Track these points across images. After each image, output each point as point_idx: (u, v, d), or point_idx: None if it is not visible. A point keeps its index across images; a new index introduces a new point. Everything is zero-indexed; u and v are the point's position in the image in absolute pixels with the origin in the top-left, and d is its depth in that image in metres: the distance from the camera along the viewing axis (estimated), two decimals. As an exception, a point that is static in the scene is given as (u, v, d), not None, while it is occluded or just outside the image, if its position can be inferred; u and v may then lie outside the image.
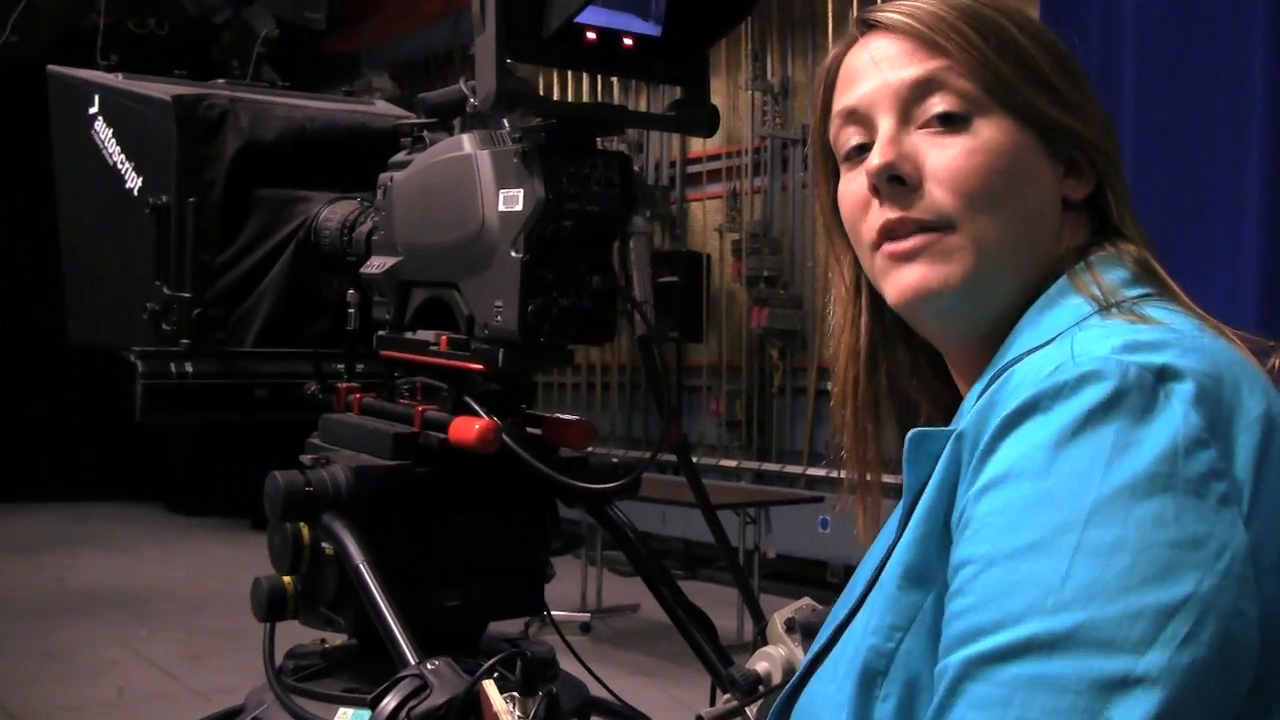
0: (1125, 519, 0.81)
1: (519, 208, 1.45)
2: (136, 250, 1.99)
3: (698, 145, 8.95)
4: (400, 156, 1.75)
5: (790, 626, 1.40)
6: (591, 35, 1.45)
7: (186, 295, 1.92)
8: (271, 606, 1.58)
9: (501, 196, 1.48)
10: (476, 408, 1.57)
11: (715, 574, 8.29)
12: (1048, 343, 0.94)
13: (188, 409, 1.94)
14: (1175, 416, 0.84)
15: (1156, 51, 4.79)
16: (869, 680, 0.95)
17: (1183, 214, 4.61)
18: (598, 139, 1.53)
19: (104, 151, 2.10)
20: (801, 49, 8.46)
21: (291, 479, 1.55)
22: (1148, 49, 4.80)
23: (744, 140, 8.68)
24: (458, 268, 1.56)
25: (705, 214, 9.10)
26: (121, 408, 1.95)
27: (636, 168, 1.53)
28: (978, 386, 0.98)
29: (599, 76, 7.79)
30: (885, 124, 1.05)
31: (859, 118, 1.08)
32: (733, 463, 8.60)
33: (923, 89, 1.04)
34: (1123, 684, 0.78)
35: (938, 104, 1.03)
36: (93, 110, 2.13)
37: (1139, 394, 0.85)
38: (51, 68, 2.28)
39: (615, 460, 1.73)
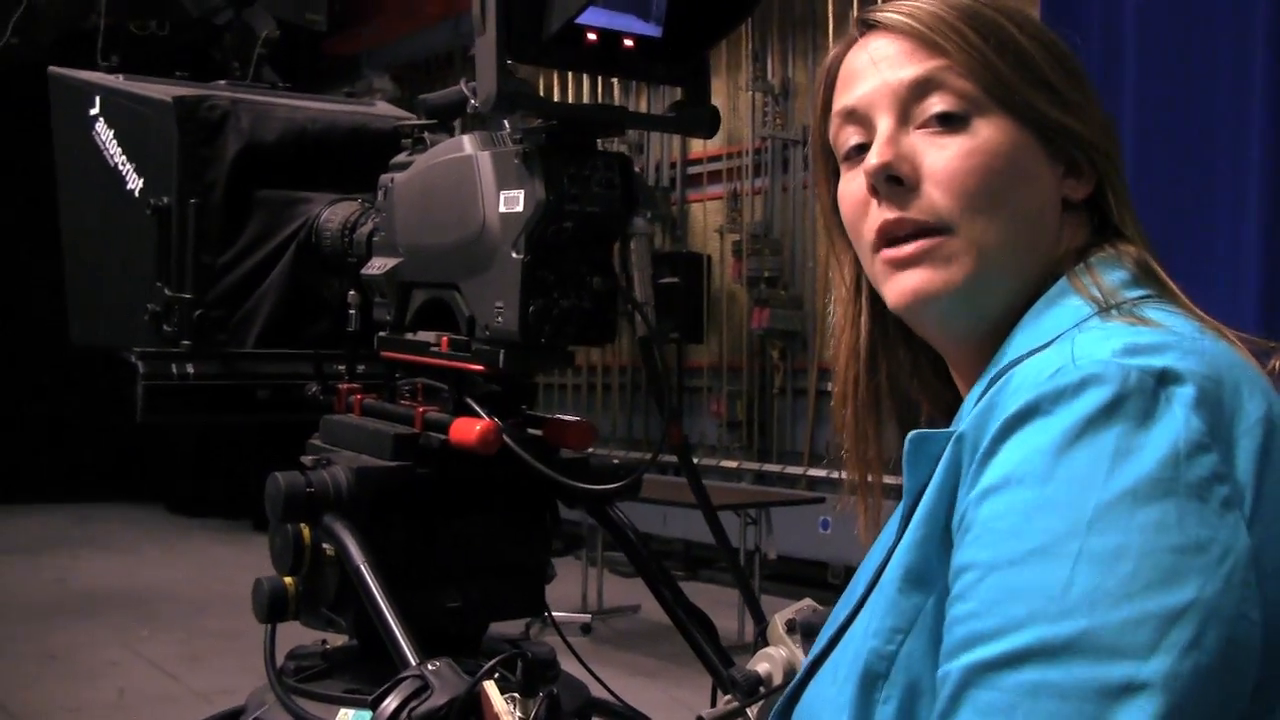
0: (1127, 525, 0.81)
1: (520, 209, 1.46)
2: (138, 251, 1.99)
3: (698, 146, 8.95)
4: (401, 158, 1.75)
5: (791, 627, 1.40)
6: (592, 36, 1.45)
7: (188, 296, 1.92)
8: (272, 607, 1.58)
9: (502, 198, 1.48)
10: (477, 409, 1.57)
11: (716, 575, 8.29)
12: (1047, 344, 0.94)
13: (189, 410, 1.94)
14: (1176, 421, 0.84)
15: (1157, 51, 4.78)
16: (870, 682, 0.95)
17: (1183, 214, 4.61)
18: (598, 140, 1.53)
19: (105, 153, 2.10)
20: (802, 50, 8.46)
21: (292, 480, 1.55)
22: (1148, 49, 4.80)
23: (744, 141, 8.68)
24: (458, 269, 1.56)
25: (706, 215, 9.10)
26: (122, 409, 1.95)
27: (637, 169, 1.53)
28: (977, 388, 0.98)
29: (599, 77, 7.79)
30: (884, 124, 1.05)
31: (858, 117, 1.08)
32: (733, 463, 8.60)
33: (921, 89, 1.04)
34: (1127, 690, 0.78)
35: (936, 104, 1.03)
36: (94, 111, 2.13)
37: (1140, 398, 0.85)
38: (53, 69, 2.28)
39: (616, 461, 1.73)
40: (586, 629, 6.95)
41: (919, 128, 1.04)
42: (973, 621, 0.85)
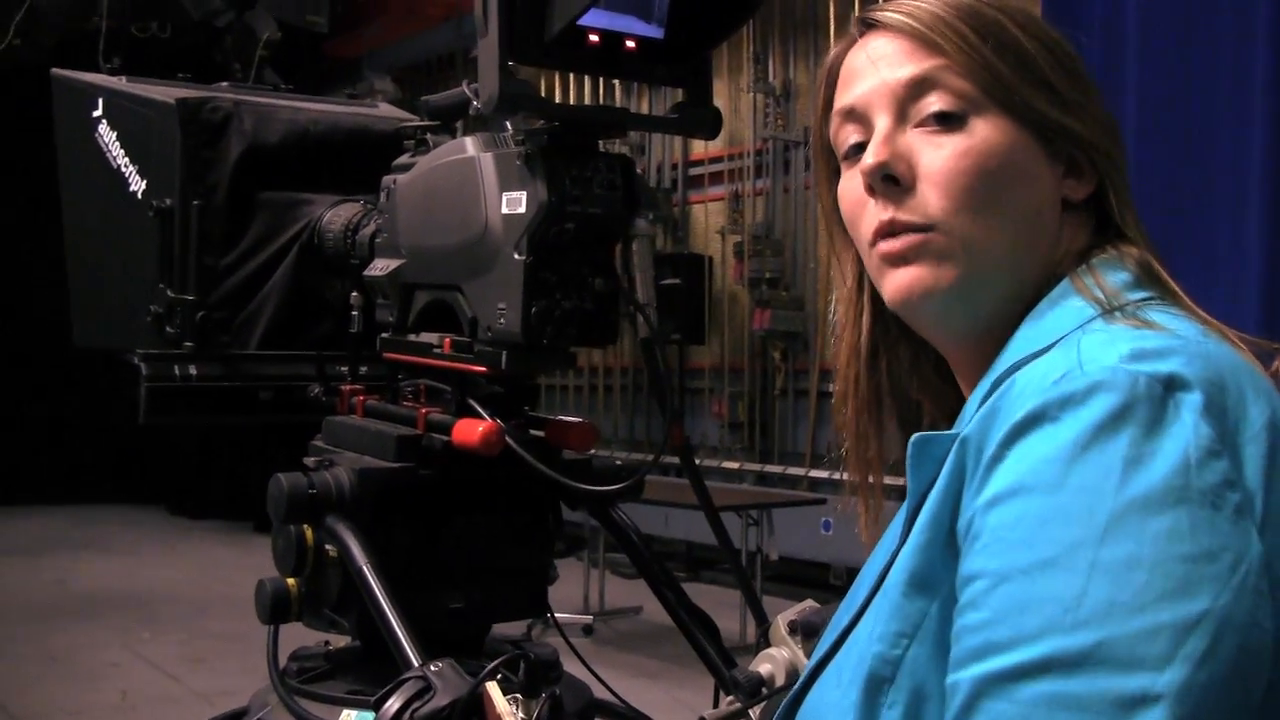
0: (1140, 534, 0.81)
1: (521, 210, 1.46)
2: (140, 253, 2.00)
3: (699, 147, 8.96)
4: (403, 159, 1.76)
5: (793, 628, 1.40)
6: (594, 38, 1.45)
7: (190, 298, 1.92)
8: (275, 609, 1.58)
9: (504, 199, 1.48)
10: (480, 410, 1.57)
11: (718, 576, 8.30)
12: (1050, 346, 0.94)
13: (191, 411, 1.94)
14: (1186, 428, 0.84)
15: (1158, 51, 4.78)
16: (875, 687, 0.95)
17: (1183, 214, 4.61)
18: (600, 141, 1.53)
19: (108, 154, 2.10)
20: (803, 51, 8.46)
21: (295, 481, 1.55)
22: (1149, 48, 4.80)
23: (746, 142, 8.69)
24: (461, 270, 1.56)
25: (707, 216, 9.11)
26: (123, 410, 1.95)
27: (638, 170, 1.53)
28: (980, 389, 0.98)
29: (601, 79, 7.79)
30: (881, 123, 1.05)
31: (857, 116, 1.08)
32: (735, 464, 8.60)
33: (919, 88, 1.04)
34: (1143, 701, 0.78)
35: (933, 103, 1.03)
36: (97, 113, 2.13)
37: (1148, 405, 0.84)
38: (55, 71, 2.29)
39: (618, 462, 1.74)
40: (588, 630, 6.94)
41: (917, 127, 1.04)
42: (984, 631, 0.85)
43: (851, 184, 1.08)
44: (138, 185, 2.03)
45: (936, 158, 1.02)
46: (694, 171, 9.23)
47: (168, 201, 1.94)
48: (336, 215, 1.90)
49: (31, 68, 4.80)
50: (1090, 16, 4.91)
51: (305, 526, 1.55)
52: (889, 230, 1.04)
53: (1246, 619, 0.80)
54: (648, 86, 7.81)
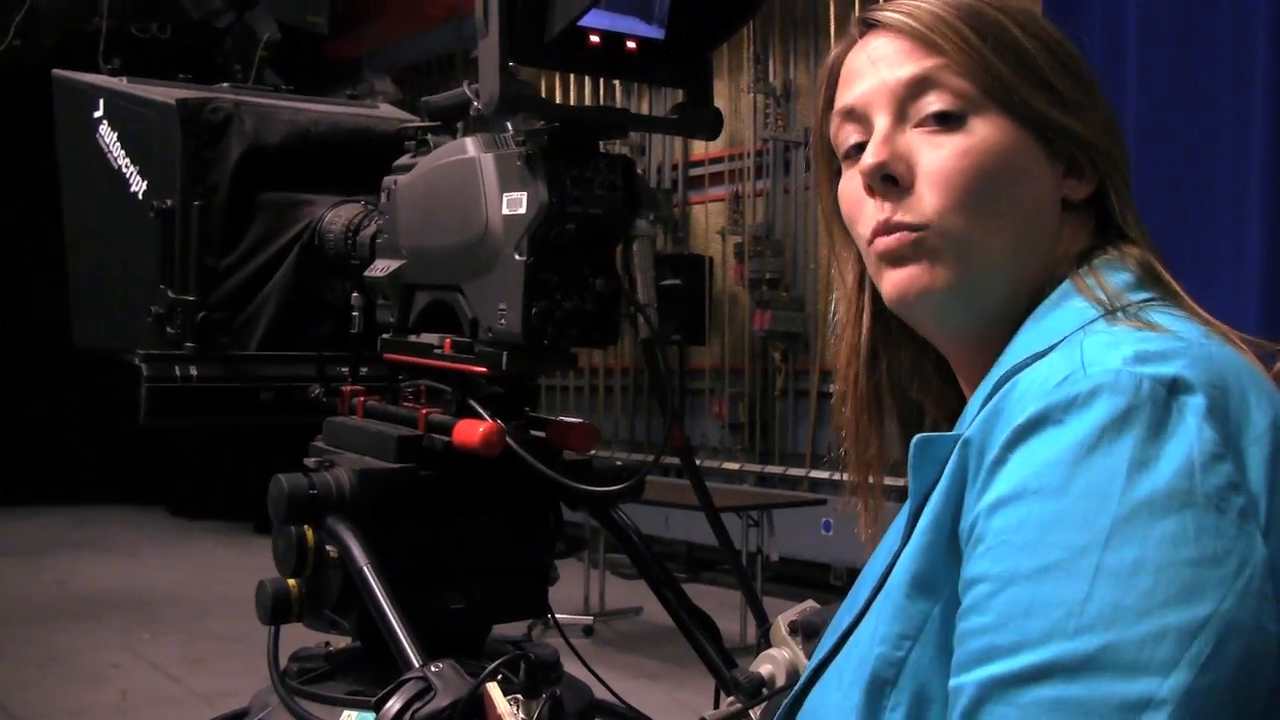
0: (1145, 538, 0.81)
1: (522, 211, 1.46)
2: (141, 254, 2.00)
3: (700, 148, 8.96)
4: (404, 160, 1.76)
5: (794, 629, 1.40)
6: (595, 39, 1.45)
7: (191, 299, 1.92)
8: (276, 609, 1.58)
9: (505, 200, 1.48)
10: (480, 410, 1.57)
11: (718, 576, 8.30)
12: (1052, 347, 0.93)
13: (192, 412, 1.94)
14: (1190, 431, 0.83)
15: (1158, 51, 4.78)
16: (878, 689, 0.94)
17: (1183, 214, 4.61)
18: (600, 142, 1.54)
19: (108, 155, 2.10)
20: (804, 52, 8.46)
21: (296, 482, 1.55)
22: (1149, 49, 4.80)
23: (746, 143, 8.69)
24: (461, 271, 1.56)
25: (707, 217, 9.11)
26: (123, 410, 1.95)
27: (638, 171, 1.53)
28: (982, 390, 0.98)
29: (601, 80, 7.79)
30: (881, 122, 1.05)
31: (857, 116, 1.08)
32: (735, 465, 8.60)
33: (918, 88, 1.04)
34: (1147, 706, 0.78)
35: (932, 103, 1.03)
36: (97, 114, 2.13)
37: (1152, 408, 0.84)
38: (56, 72, 2.29)
39: (619, 463, 1.74)
40: (589, 631, 6.95)
41: (916, 126, 1.04)
42: (988, 635, 0.85)
43: (851, 184, 1.08)
44: (138, 186, 2.03)
45: (935, 158, 1.02)
46: (694, 172, 9.24)
47: (168, 202, 1.94)
48: (337, 216, 1.90)
49: (32, 68, 4.80)
50: (1090, 16, 4.91)
51: (306, 527, 1.55)
52: (886, 229, 1.04)
53: (1251, 623, 0.80)
54: (648, 87, 7.81)
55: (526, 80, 1.43)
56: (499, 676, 1.28)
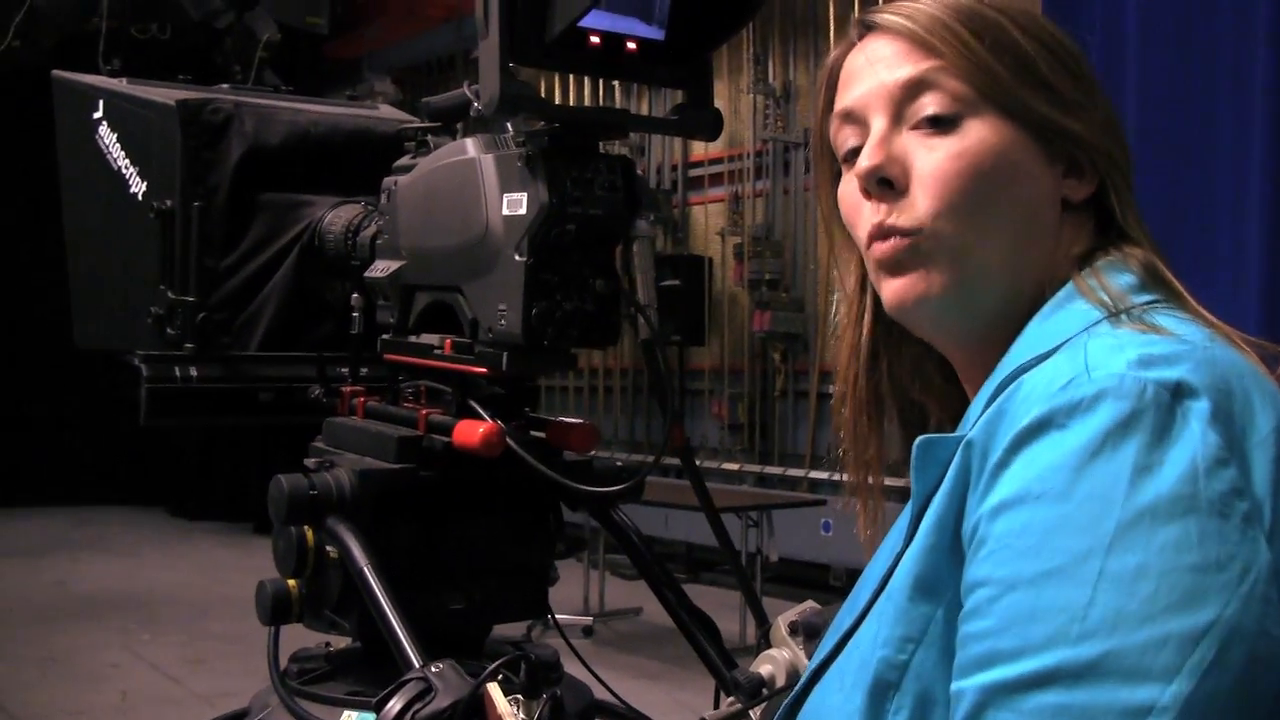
0: (1148, 544, 0.81)
1: (522, 211, 1.46)
2: (141, 254, 2.00)
3: (699, 149, 8.96)
4: (404, 161, 1.76)
5: (794, 629, 1.40)
6: (595, 39, 1.45)
7: (191, 299, 1.92)
8: (276, 610, 1.58)
9: (505, 200, 1.48)
10: (481, 411, 1.57)
11: (718, 577, 8.30)
12: (1056, 349, 0.93)
13: (192, 413, 1.94)
14: (1194, 436, 0.83)
15: (1158, 51, 4.78)
16: (880, 693, 0.94)
17: (1183, 214, 4.60)
18: (600, 143, 1.54)
19: (108, 156, 2.10)
20: (803, 52, 8.46)
21: (296, 483, 1.55)
22: (1150, 48, 4.80)
23: (746, 144, 8.69)
24: (461, 271, 1.56)
25: (707, 217, 9.11)
26: (123, 410, 1.95)
27: (638, 171, 1.53)
28: (985, 392, 0.97)
29: (601, 80, 7.79)
30: (878, 124, 1.05)
31: (855, 118, 1.08)
32: (735, 466, 8.60)
33: (914, 89, 1.04)
34: (1149, 713, 0.78)
35: (928, 104, 1.03)
36: (97, 115, 2.13)
37: (1156, 413, 0.84)
38: (56, 73, 2.29)
39: (619, 464, 1.74)
40: (588, 631, 6.95)
41: (913, 129, 1.04)
42: (990, 640, 0.85)
43: (850, 186, 1.08)
44: (138, 187, 2.03)
45: (930, 160, 1.02)
46: (694, 173, 9.24)
47: (168, 203, 1.95)
48: (337, 217, 1.90)
49: (31, 69, 4.80)
50: (1090, 16, 4.90)
51: (306, 528, 1.55)
52: (881, 233, 1.04)
53: (1255, 628, 0.80)
54: (648, 88, 7.81)
55: (526, 81, 1.43)
56: (499, 677, 1.28)
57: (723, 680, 1.56)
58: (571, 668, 1.74)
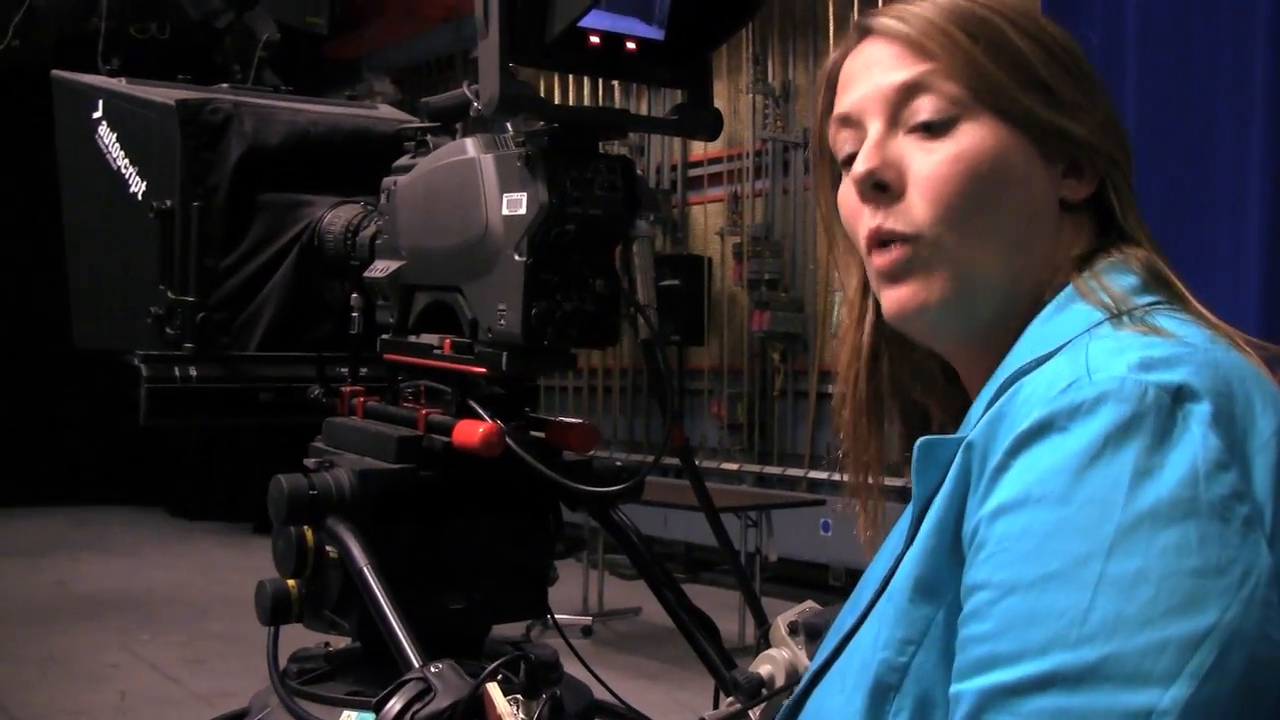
0: (1148, 548, 0.81)
1: (522, 211, 1.46)
2: (141, 254, 2.00)
3: (698, 149, 8.96)
4: (404, 161, 1.76)
5: (793, 629, 1.40)
6: (595, 39, 1.45)
7: (191, 299, 1.92)
8: (275, 610, 1.58)
9: (505, 200, 1.48)
10: (480, 411, 1.57)
11: (717, 577, 8.30)
12: (1056, 351, 0.93)
13: (191, 413, 1.94)
14: (1194, 440, 0.83)
15: (1157, 51, 4.78)
16: (881, 694, 0.94)
17: (1183, 214, 4.61)
18: (600, 143, 1.54)
19: (108, 156, 2.10)
20: (802, 52, 8.46)
21: (295, 483, 1.55)
22: (1149, 48, 4.80)
23: (745, 143, 8.69)
24: (461, 271, 1.56)
25: (706, 217, 9.11)
26: (123, 410, 1.95)
27: (638, 171, 1.53)
28: (986, 393, 0.97)
29: (600, 80, 7.79)
30: (874, 129, 1.05)
31: (852, 123, 1.08)
32: (734, 466, 8.60)
33: (909, 93, 1.04)
34: (1149, 717, 0.78)
35: (923, 107, 1.03)
36: (97, 115, 2.13)
37: (1157, 416, 0.84)
38: (55, 72, 2.29)
39: (619, 464, 1.74)
40: (587, 631, 6.95)
41: (909, 132, 1.04)
42: (989, 643, 0.85)
43: (849, 191, 1.08)
44: (138, 187, 2.03)
45: (926, 163, 1.02)
46: (693, 173, 9.24)
47: (168, 203, 1.94)
48: (337, 217, 1.90)
49: (30, 69, 4.80)
50: (1090, 16, 4.91)
51: (305, 528, 1.55)
52: (879, 239, 1.04)
53: (1256, 632, 0.80)
54: (647, 88, 7.81)
55: (526, 81, 1.43)
56: (499, 677, 1.28)
57: (722, 680, 1.56)
58: (571, 668, 1.74)
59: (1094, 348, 0.91)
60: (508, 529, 1.70)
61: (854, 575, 7.38)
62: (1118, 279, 1.00)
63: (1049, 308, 1.01)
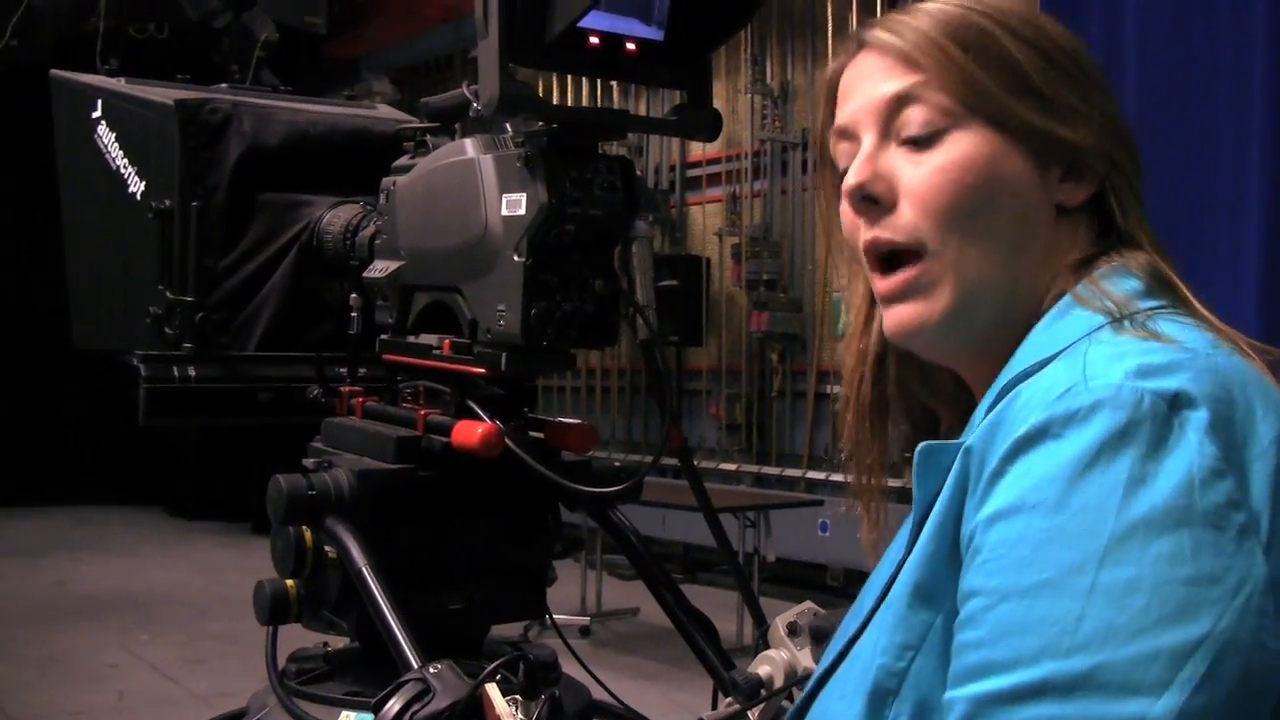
0: (1141, 557, 0.80)
1: (521, 212, 1.46)
2: (140, 254, 2.00)
3: (697, 149, 8.96)
4: (403, 161, 1.76)
5: (792, 630, 1.40)
6: (594, 40, 1.45)
7: (190, 299, 1.92)
8: (274, 610, 1.58)
9: (504, 201, 1.48)
10: (479, 411, 1.57)
11: (716, 577, 8.29)
12: (1055, 355, 0.93)
13: (190, 413, 1.94)
14: (1190, 447, 0.83)
15: (1157, 51, 4.79)
16: (879, 699, 0.94)
17: (1182, 214, 4.61)
18: (599, 143, 1.54)
19: (107, 156, 2.10)
20: (801, 53, 8.46)
21: (294, 483, 1.55)
22: (1149, 49, 4.80)
23: (744, 144, 8.68)
24: (460, 272, 1.56)
25: (705, 218, 9.11)
26: (122, 410, 1.95)
27: (637, 172, 1.53)
28: (987, 398, 0.98)
29: (598, 80, 7.79)
30: (867, 141, 1.06)
31: (849, 135, 1.09)
32: (732, 466, 8.60)
33: (899, 104, 1.04)
34: None
35: (912, 119, 1.03)
36: (96, 115, 2.13)
37: (1152, 424, 0.84)
38: (54, 72, 2.29)
39: (617, 464, 1.74)
40: (585, 631, 6.95)
41: (901, 144, 1.05)
42: (982, 650, 0.85)
43: (847, 203, 1.09)
44: (137, 186, 2.03)
45: (916, 175, 1.03)
46: (692, 173, 9.23)
47: (167, 203, 1.94)
48: (336, 217, 1.90)
49: (29, 68, 4.80)
50: (1089, 17, 4.91)
51: (304, 528, 1.55)
52: (877, 251, 1.05)
53: (1250, 640, 0.80)
54: (646, 88, 7.81)
55: (525, 81, 1.43)
56: (498, 677, 1.28)
57: (720, 681, 1.56)
58: (569, 668, 1.74)
59: (1092, 353, 0.90)
60: (506, 529, 1.70)
61: (852, 575, 7.40)
62: (1119, 283, 0.99)
63: (1051, 313, 1.00)
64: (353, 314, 1.81)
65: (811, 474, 8.12)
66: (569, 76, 8.22)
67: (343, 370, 1.88)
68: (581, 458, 1.69)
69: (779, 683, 1.38)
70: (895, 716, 0.94)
